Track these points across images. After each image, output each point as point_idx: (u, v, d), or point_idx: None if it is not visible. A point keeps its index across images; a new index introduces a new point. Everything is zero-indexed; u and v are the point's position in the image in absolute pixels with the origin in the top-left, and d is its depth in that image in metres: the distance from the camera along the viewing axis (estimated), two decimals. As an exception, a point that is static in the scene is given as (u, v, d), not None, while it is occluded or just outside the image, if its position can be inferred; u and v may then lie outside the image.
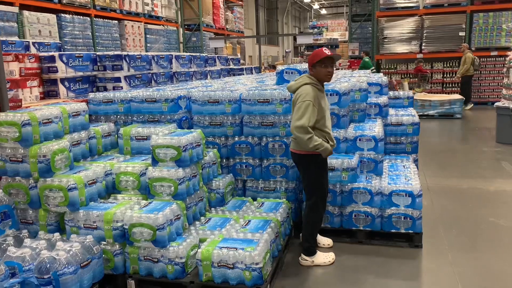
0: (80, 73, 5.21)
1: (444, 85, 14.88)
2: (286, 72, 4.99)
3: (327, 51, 3.60)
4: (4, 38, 6.13)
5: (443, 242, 4.24)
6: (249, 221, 3.79)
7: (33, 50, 5.82)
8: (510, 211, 5.09)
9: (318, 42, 19.10)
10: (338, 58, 3.87)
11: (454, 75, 14.70)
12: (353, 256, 4.03)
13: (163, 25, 14.20)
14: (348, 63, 16.15)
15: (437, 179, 6.34)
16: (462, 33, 14.19)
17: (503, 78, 12.73)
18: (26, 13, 8.84)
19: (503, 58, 13.37)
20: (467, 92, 13.83)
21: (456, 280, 3.54)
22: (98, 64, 5.46)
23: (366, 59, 14.72)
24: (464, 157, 7.74)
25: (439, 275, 3.67)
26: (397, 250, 4.11)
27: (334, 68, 3.74)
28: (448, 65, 14.76)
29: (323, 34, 22.21)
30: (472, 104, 14.09)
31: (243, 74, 9.63)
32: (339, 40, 20.35)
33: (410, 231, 4.15)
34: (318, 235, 4.13)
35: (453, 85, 14.78)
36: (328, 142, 3.66)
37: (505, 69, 12.46)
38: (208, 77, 8.14)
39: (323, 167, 3.81)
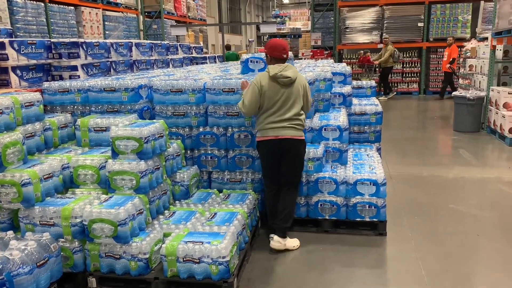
0: (34, 61, 4.90)
1: (404, 75, 15.24)
2: (251, 61, 4.90)
3: None
4: None
5: (406, 230, 4.32)
6: (215, 213, 3.71)
7: (-19, 37, 5.45)
8: (468, 197, 5.26)
9: (282, 31, 19.00)
10: None
11: (413, 65, 15.07)
12: (319, 245, 4.04)
13: (122, 12, 13.72)
14: (311, 53, 16.18)
15: (398, 167, 6.47)
16: (420, 24, 14.52)
17: (459, 68, 13.16)
18: (-27, -3, 8.29)
19: (459, 49, 13.79)
20: (386, 82, 14.25)
21: (420, 266, 3.60)
22: (53, 51, 5.17)
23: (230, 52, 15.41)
24: (423, 145, 7.94)
25: (403, 262, 3.74)
26: (363, 238, 4.15)
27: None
28: (407, 55, 15.11)
29: (286, 24, 22.21)
30: (395, 93, 14.45)
31: (206, 63, 9.45)
32: (302, 30, 20.36)
33: (374, 219, 4.20)
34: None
35: (413, 74, 15.15)
36: None
37: (461, 60, 12.89)
38: (170, 65, 7.93)
39: None
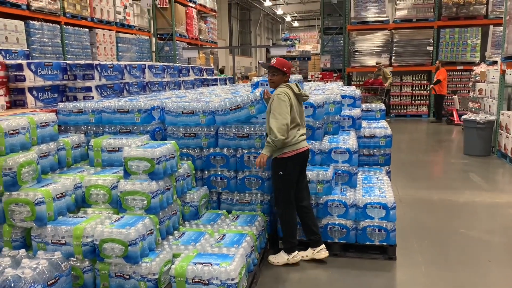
0: (49, 82, 5.03)
1: (413, 98, 15.26)
2: (262, 84, 4.97)
3: (272, 60, 4.07)
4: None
5: (416, 254, 4.28)
6: (224, 235, 3.72)
7: (-1, 58, 5.60)
8: (479, 222, 5.21)
9: (291, 54, 19.26)
10: (265, 66, 4.21)
11: (422, 88, 15.10)
12: (328, 269, 4.01)
13: (135, 34, 14.02)
14: (320, 75, 16.32)
15: (408, 190, 6.44)
16: (430, 48, 14.62)
17: (468, 92, 13.18)
18: (-8, 19, 8.55)
19: (469, 72, 13.84)
20: (388, 105, 14.33)
21: (430, 292, 3.57)
22: (69, 73, 5.30)
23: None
24: (433, 169, 7.91)
25: (413, 287, 3.69)
26: (372, 263, 4.12)
27: (275, 75, 4.04)
28: (416, 78, 15.16)
29: (295, 46, 22.47)
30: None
31: (217, 85, 9.58)
32: (311, 52, 20.59)
33: (384, 243, 4.18)
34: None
35: (422, 98, 15.17)
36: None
37: (471, 83, 12.92)
38: (182, 87, 8.04)
39: None
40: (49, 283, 2.92)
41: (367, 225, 4.20)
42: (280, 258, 4.08)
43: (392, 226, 4.16)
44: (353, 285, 3.73)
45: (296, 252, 4.09)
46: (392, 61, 14.97)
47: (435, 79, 13.54)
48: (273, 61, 4.03)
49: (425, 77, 15.10)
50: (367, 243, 4.22)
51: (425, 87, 15.10)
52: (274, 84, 4.07)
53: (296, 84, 4.06)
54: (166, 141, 4.02)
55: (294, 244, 4.09)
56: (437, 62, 13.64)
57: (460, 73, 14.70)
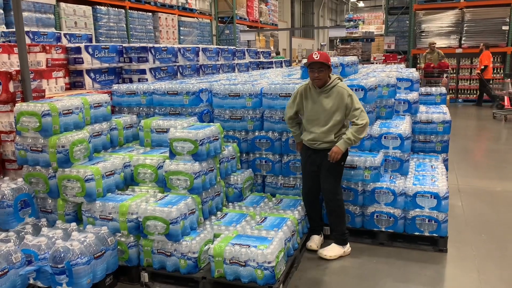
0: (106, 65, 5.26)
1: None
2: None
3: (315, 55, 3.63)
4: (37, 30, 6.27)
5: (470, 248, 4.03)
6: (265, 217, 3.72)
7: (64, 42, 5.93)
8: (546, 217, 4.79)
9: (353, 35, 18.68)
10: (307, 64, 3.73)
11: (496, 71, 14.02)
12: (373, 258, 3.89)
13: (196, 18, 14.24)
14: (383, 57, 15.69)
15: (469, 179, 6.06)
16: (505, 27, 13.52)
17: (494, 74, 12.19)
18: (62, 5, 9.07)
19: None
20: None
21: (481, 289, 3.35)
22: (124, 55, 5.50)
23: None
24: (500, 158, 7.36)
25: (463, 282, 3.49)
26: (420, 254, 3.94)
27: (322, 71, 3.64)
28: (489, 60, 14.09)
29: (358, 27, 21.73)
30: None
31: (273, 67, 9.51)
32: (375, 33, 19.82)
33: (434, 235, 3.97)
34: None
35: (491, 81, 14.10)
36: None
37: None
38: (236, 70, 8.08)
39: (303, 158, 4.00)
40: (95, 255, 3.09)
41: (416, 215, 4.01)
42: (334, 251, 3.89)
43: (444, 217, 3.94)
44: (398, 275, 3.59)
45: (348, 243, 3.98)
46: (462, 42, 14.01)
47: (479, 64, 12.95)
48: (317, 56, 3.60)
49: (499, 59, 14.00)
50: (416, 233, 4.03)
51: (498, 70, 14.00)
52: (321, 82, 3.68)
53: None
54: (210, 123, 4.06)
55: (348, 235, 3.97)
56: (481, 44, 12.76)
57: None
